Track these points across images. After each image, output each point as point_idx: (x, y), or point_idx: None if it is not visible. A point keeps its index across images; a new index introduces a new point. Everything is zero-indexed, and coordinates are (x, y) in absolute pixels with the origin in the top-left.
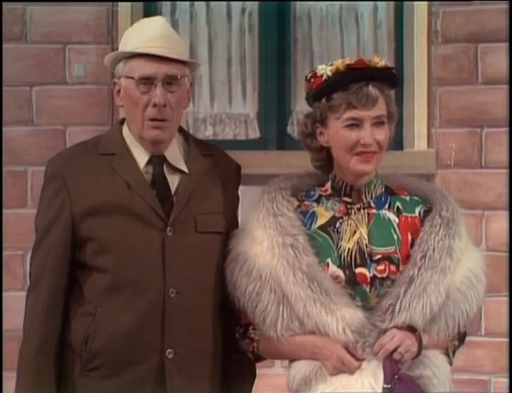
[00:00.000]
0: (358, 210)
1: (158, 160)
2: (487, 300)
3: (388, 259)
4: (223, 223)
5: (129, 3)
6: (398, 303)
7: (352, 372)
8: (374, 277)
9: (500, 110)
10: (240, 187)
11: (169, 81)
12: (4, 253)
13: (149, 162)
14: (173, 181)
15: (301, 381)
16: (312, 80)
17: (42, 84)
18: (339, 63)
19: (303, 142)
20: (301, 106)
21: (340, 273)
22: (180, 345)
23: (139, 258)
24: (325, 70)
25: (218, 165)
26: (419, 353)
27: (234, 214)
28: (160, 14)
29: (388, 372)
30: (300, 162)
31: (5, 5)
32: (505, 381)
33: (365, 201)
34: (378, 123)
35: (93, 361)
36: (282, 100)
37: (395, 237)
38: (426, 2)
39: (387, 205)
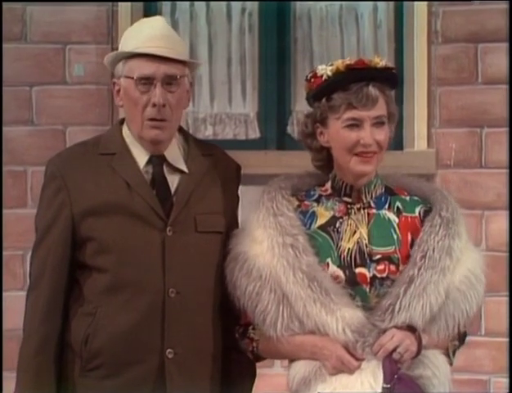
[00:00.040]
0: (358, 209)
1: (158, 160)
2: (486, 300)
3: (387, 259)
4: (223, 223)
5: (129, 3)
6: (398, 303)
7: (351, 371)
8: (374, 277)
9: (500, 110)
10: (240, 187)
11: (169, 81)
12: (4, 253)
13: (149, 162)
14: (173, 181)
15: (301, 381)
16: (313, 80)
17: (42, 84)
18: (339, 63)
19: (304, 142)
20: (301, 106)
21: (340, 272)
22: (180, 344)
23: (139, 258)
24: (325, 70)
25: (218, 165)
26: (418, 353)
27: (234, 213)
28: (160, 14)
29: (388, 371)
30: (300, 162)
31: (5, 5)
32: (505, 381)
33: (365, 201)
34: (378, 123)
35: (93, 361)
36: (282, 100)
37: (395, 237)
38: (426, 2)
39: (387, 205)
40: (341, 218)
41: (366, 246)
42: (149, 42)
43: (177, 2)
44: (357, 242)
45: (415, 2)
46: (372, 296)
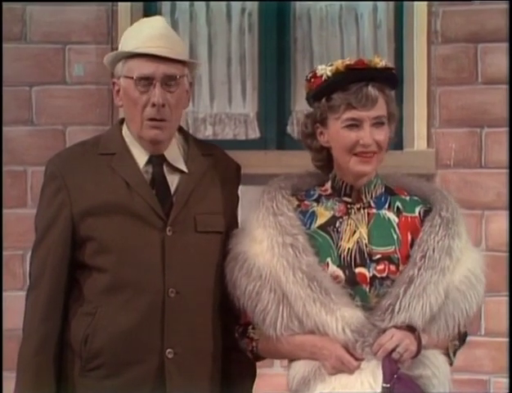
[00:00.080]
0: (358, 209)
1: (157, 160)
2: (486, 300)
3: (387, 258)
4: (223, 223)
5: (129, 3)
6: (398, 303)
7: (351, 371)
8: (373, 277)
9: (500, 110)
10: (240, 187)
11: (168, 81)
12: (4, 253)
13: (148, 162)
14: (173, 181)
15: (300, 380)
16: (312, 80)
17: (42, 84)
18: (339, 63)
19: (304, 142)
20: (301, 106)
21: (340, 272)
22: (180, 344)
23: (139, 258)
24: (324, 70)
25: (218, 165)
26: (418, 352)
27: (234, 213)
28: (160, 14)
29: (388, 371)
30: (300, 162)
31: (4, 5)
32: (505, 381)
33: (365, 200)
34: (377, 123)
35: (93, 361)
36: (282, 100)
37: (395, 236)
38: (426, 2)
39: (387, 205)
40: (341, 217)
41: (366, 246)
42: (148, 42)
43: (177, 2)
44: (357, 242)
45: (415, 2)
46: (372, 296)
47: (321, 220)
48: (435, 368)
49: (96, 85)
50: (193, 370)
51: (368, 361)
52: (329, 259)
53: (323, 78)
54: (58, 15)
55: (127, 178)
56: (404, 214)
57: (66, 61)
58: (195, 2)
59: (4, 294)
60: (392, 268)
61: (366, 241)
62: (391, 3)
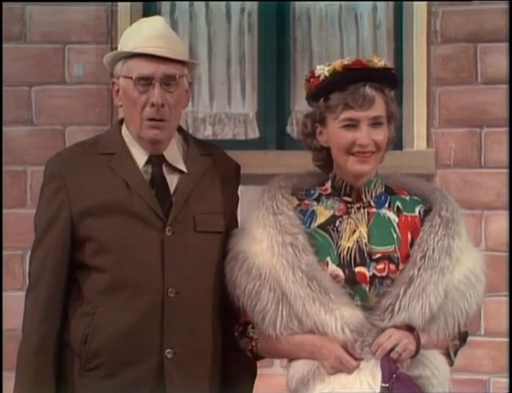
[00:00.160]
0: (358, 209)
1: (157, 160)
2: (486, 300)
3: (387, 258)
4: (222, 223)
5: (128, 3)
6: (398, 303)
7: (350, 371)
8: (373, 277)
9: (500, 110)
10: (240, 187)
11: (167, 81)
12: (4, 253)
13: (148, 162)
14: (172, 181)
15: (299, 380)
16: (311, 80)
17: (42, 84)
18: (337, 63)
19: (304, 142)
20: (300, 106)
21: (340, 272)
22: (179, 344)
23: (138, 258)
24: (322, 70)
25: (218, 165)
26: (417, 352)
27: (233, 213)
28: (159, 14)
29: (386, 371)
30: (300, 162)
31: (4, 5)
32: (505, 381)
33: (365, 200)
34: (375, 123)
35: (92, 361)
36: (281, 100)
37: (395, 236)
38: (425, 2)
39: (387, 205)
40: (341, 217)
41: (366, 245)
42: (148, 42)
43: (177, 2)
44: (357, 241)
45: (415, 2)
46: (372, 296)
47: (320, 219)
48: (434, 368)
49: (95, 85)
50: (192, 370)
51: (367, 361)
52: (328, 259)
53: (321, 78)
54: (58, 15)
55: (126, 178)
56: (404, 213)
57: (66, 61)
58: (195, 2)
59: (4, 294)
60: (392, 267)
61: (366, 240)
62: (390, 3)
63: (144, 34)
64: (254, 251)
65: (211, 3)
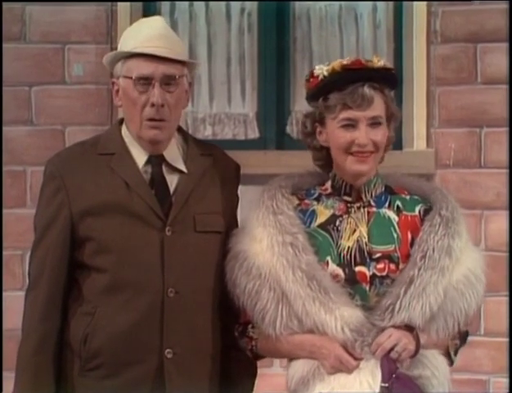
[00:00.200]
0: (358, 208)
1: (157, 160)
2: (486, 300)
3: (387, 257)
4: (222, 223)
5: (128, 3)
6: (398, 303)
7: (350, 371)
8: (373, 276)
9: (500, 110)
10: (240, 187)
11: (167, 81)
12: (4, 253)
13: (148, 162)
14: (172, 181)
15: (299, 380)
16: (311, 80)
17: (42, 84)
18: (336, 63)
19: (304, 142)
20: (300, 106)
21: (340, 271)
22: (179, 344)
23: (138, 258)
24: (321, 70)
25: (217, 165)
26: (416, 352)
27: (233, 213)
28: (159, 14)
29: (386, 370)
30: (299, 162)
31: (4, 4)
32: (505, 381)
33: (365, 199)
34: (374, 123)
35: (92, 361)
36: (281, 100)
37: (395, 235)
38: (425, 2)
39: (387, 204)
40: (341, 216)
41: (366, 245)
42: (147, 43)
43: (177, 2)
44: (357, 241)
45: (415, 2)
46: (372, 295)
47: (321, 219)
48: (434, 368)
49: (95, 85)
50: (192, 370)
51: (367, 360)
52: (328, 258)
53: (320, 78)
54: (57, 15)
55: (126, 178)
56: (404, 212)
57: (66, 61)
58: (195, 2)
59: (4, 294)
60: (392, 266)
61: (366, 239)
62: (390, 3)
63: (144, 34)
64: (254, 251)
65: (211, 3)
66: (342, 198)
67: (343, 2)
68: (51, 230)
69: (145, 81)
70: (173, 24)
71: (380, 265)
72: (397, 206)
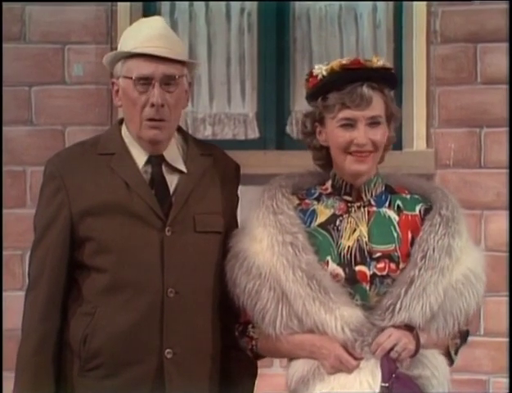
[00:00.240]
0: (358, 208)
1: (156, 160)
2: (486, 300)
3: (388, 257)
4: (222, 223)
5: (128, 3)
6: (399, 303)
7: (350, 371)
8: (374, 275)
9: (500, 110)
10: (240, 187)
11: (167, 81)
12: (3, 253)
13: (147, 162)
14: (172, 181)
15: (299, 380)
16: (310, 80)
17: (41, 84)
18: (335, 63)
19: (304, 141)
20: (300, 106)
21: (340, 270)
22: (179, 345)
23: (138, 258)
24: (320, 69)
25: (217, 165)
26: (416, 351)
27: (233, 213)
28: (159, 14)
29: (386, 370)
30: (299, 162)
31: (4, 4)
32: (505, 381)
33: (365, 199)
34: (373, 123)
35: (92, 361)
36: (281, 100)
37: (395, 235)
38: (425, 2)
39: (387, 204)
40: (341, 216)
41: (366, 244)
42: (147, 43)
43: (176, 2)
44: (357, 240)
45: (415, 2)
46: (372, 295)
47: (321, 218)
48: (434, 368)
49: (95, 85)
50: (192, 370)
51: (367, 360)
52: (329, 258)
53: (319, 77)
54: (57, 15)
55: (126, 178)
56: (404, 212)
57: (65, 61)
58: (195, 2)
59: (4, 294)
60: (393, 266)
61: (366, 239)
62: (390, 3)
63: (144, 34)
64: (254, 250)
65: (211, 3)
66: (342, 198)
67: (343, 2)
68: (51, 230)
69: (145, 81)
70: (173, 24)
71: (380, 265)
72: (398, 206)
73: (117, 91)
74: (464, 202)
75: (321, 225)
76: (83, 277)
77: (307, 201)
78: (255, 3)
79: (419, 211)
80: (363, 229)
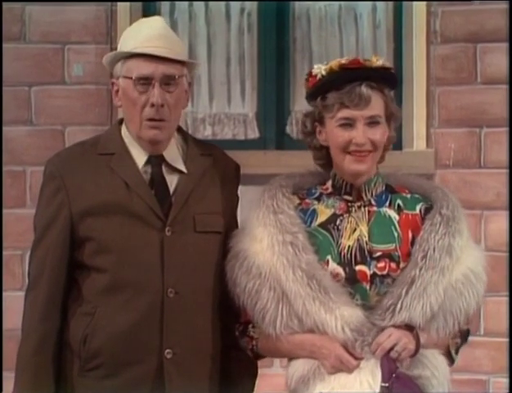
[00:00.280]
0: (359, 207)
1: (156, 160)
2: (486, 300)
3: (388, 256)
4: (222, 223)
5: (128, 3)
6: (399, 303)
7: (350, 371)
8: (374, 275)
9: (499, 110)
10: (240, 187)
11: (167, 81)
12: (3, 253)
13: (147, 162)
14: (172, 181)
15: (299, 379)
16: (309, 80)
17: (41, 84)
18: (334, 63)
19: (304, 141)
20: (300, 106)
21: (340, 270)
22: (179, 345)
23: (138, 258)
24: (319, 69)
25: (217, 165)
26: (416, 351)
27: (233, 213)
28: (159, 14)
29: (386, 370)
30: (299, 162)
31: (4, 4)
32: (505, 381)
33: (365, 198)
34: (372, 123)
35: (92, 361)
36: (281, 100)
37: (395, 234)
38: (425, 2)
39: (387, 203)
40: (341, 215)
41: (367, 244)
42: (147, 43)
43: (176, 2)
44: (357, 240)
45: (414, 2)
46: (372, 294)
47: (321, 218)
48: (434, 368)
49: (95, 85)
50: (192, 370)
51: (367, 360)
52: (329, 257)
53: (318, 77)
54: (57, 15)
55: (126, 178)
56: (405, 211)
57: (65, 61)
58: (194, 2)
59: (4, 294)
60: (393, 265)
61: (367, 238)
62: (390, 3)
63: (143, 34)
64: (254, 250)
65: (210, 3)
66: (342, 197)
67: (342, 2)
68: (51, 230)
69: (145, 81)
70: (173, 24)
71: (381, 264)
72: (398, 205)
73: (117, 91)
74: (464, 202)
75: (322, 225)
76: (83, 277)
77: (307, 200)
78: (255, 3)
79: (420, 210)
80: (363, 229)
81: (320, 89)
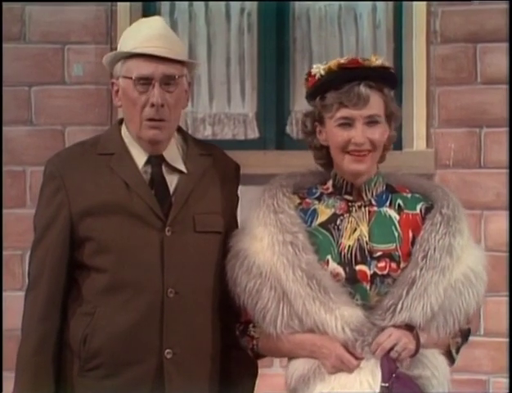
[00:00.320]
0: (359, 207)
1: (156, 160)
2: (486, 300)
3: (388, 256)
4: (222, 223)
5: (128, 3)
6: (400, 303)
7: (350, 370)
8: (374, 275)
9: (499, 110)
10: (240, 187)
11: (167, 81)
12: (3, 253)
13: (147, 162)
14: (172, 181)
15: (299, 379)
16: (309, 79)
17: (41, 84)
18: (333, 62)
19: (305, 141)
20: (300, 106)
21: (340, 270)
22: (179, 345)
23: (138, 258)
24: (318, 69)
25: (217, 165)
26: (416, 351)
27: (233, 213)
28: (159, 14)
29: (386, 370)
30: (299, 162)
31: (4, 4)
32: (505, 381)
33: (365, 198)
34: (371, 122)
35: (92, 361)
36: (281, 100)
37: (396, 234)
38: (425, 2)
39: (388, 203)
40: (342, 215)
41: (367, 244)
42: (147, 43)
43: (176, 2)
44: (358, 240)
45: (414, 2)
46: (373, 294)
47: (322, 218)
48: (434, 368)
49: (95, 85)
50: (192, 370)
51: (367, 360)
52: (329, 257)
53: (317, 77)
54: (57, 15)
55: (126, 178)
56: (405, 211)
57: (65, 61)
58: (194, 2)
59: (4, 294)
60: (393, 265)
61: (367, 238)
62: (390, 3)
63: (143, 34)
64: (255, 249)
65: (210, 3)
66: (343, 197)
67: (342, 2)
68: (51, 230)
69: (145, 81)
70: (173, 24)
71: (381, 264)
72: (399, 205)
73: (117, 91)
74: (464, 202)
75: (322, 224)
76: (83, 277)
77: (307, 200)
78: (255, 3)
79: (420, 210)
80: (364, 229)
81: (319, 89)
